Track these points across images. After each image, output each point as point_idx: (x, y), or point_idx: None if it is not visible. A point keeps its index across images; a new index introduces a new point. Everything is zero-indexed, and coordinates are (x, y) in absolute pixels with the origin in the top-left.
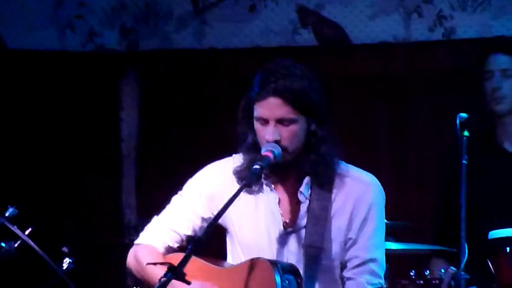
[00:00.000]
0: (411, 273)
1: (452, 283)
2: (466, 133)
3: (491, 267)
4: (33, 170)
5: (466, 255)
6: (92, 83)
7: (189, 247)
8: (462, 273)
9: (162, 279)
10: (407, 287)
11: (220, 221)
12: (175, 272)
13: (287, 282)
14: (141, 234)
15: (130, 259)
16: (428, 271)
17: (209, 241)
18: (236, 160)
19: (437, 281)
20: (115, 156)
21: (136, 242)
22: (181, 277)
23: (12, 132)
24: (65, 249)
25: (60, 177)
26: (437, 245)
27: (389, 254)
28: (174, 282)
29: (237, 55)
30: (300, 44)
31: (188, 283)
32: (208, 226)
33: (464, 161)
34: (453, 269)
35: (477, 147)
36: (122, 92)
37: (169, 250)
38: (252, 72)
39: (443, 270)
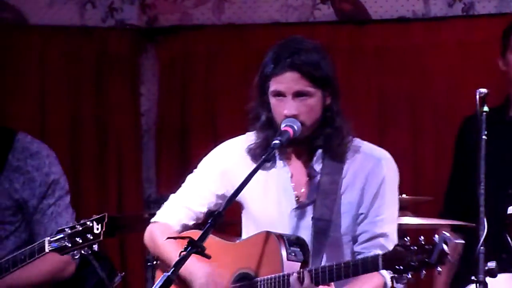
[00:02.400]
0: (406, 240)
1: (444, 246)
2: (485, 108)
3: (510, 242)
4: (54, 144)
5: (486, 230)
6: (112, 58)
7: (208, 221)
8: (481, 248)
9: (182, 253)
10: (401, 253)
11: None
12: (195, 246)
13: (293, 254)
14: (158, 212)
15: (147, 237)
16: (422, 237)
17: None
18: (249, 138)
19: (431, 246)
20: (135, 130)
21: (152, 220)
22: (201, 251)
23: (33, 107)
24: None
25: (80, 151)
26: (446, 219)
27: (408, 228)
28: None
29: (256, 31)
30: (319, 20)
31: (208, 257)
32: (227, 202)
33: (483, 136)
34: (445, 233)
35: (489, 122)
36: (142, 67)
37: (185, 227)
38: (271, 47)
39: (436, 236)
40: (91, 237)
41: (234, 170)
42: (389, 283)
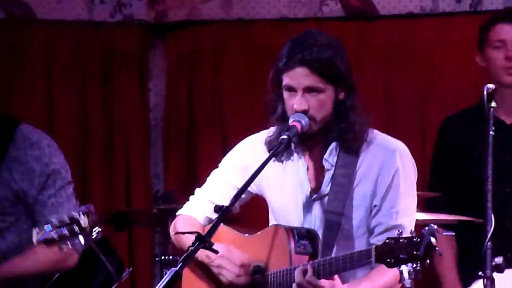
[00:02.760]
0: (398, 233)
1: (431, 239)
2: (493, 104)
3: None
4: (62, 139)
5: (493, 225)
6: (120, 54)
7: (217, 216)
8: (489, 243)
9: (190, 248)
10: (391, 246)
11: (257, 191)
12: (203, 241)
13: (302, 247)
14: (184, 205)
15: (172, 230)
16: (412, 230)
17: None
18: (270, 132)
19: (419, 239)
20: (143, 125)
21: (178, 212)
22: (209, 246)
23: (40, 101)
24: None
25: (88, 146)
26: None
27: (416, 224)
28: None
29: (264, 26)
30: (327, 15)
31: (216, 252)
32: (235, 196)
33: (491, 132)
34: (432, 226)
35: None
36: (150, 62)
37: (209, 221)
38: (279, 43)
39: (425, 228)
40: (78, 230)
41: (255, 164)
42: (406, 275)
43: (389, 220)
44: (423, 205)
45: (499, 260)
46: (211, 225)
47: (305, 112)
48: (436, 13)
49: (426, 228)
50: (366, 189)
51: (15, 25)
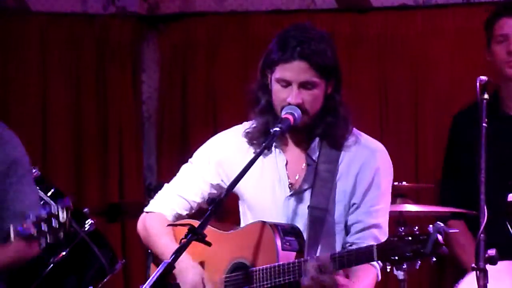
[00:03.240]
0: (400, 230)
1: (438, 236)
2: (486, 96)
3: (510, 229)
4: (56, 131)
5: (486, 217)
6: (113, 46)
7: (209, 209)
8: (482, 235)
9: (183, 240)
10: (395, 244)
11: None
12: (195, 233)
13: (287, 244)
14: (151, 202)
15: (140, 227)
16: (417, 227)
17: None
18: (245, 128)
19: (425, 237)
20: (136, 118)
21: (145, 210)
22: (202, 239)
23: (34, 93)
24: (86, 210)
25: (81, 139)
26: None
27: (408, 216)
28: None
29: (257, 18)
30: (320, 7)
31: (209, 244)
32: (227, 189)
33: (484, 124)
34: (439, 223)
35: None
36: (143, 54)
37: (178, 217)
38: (272, 35)
39: (431, 226)
40: (57, 225)
41: (229, 159)
42: (379, 274)
43: (369, 218)
44: (415, 198)
45: (492, 252)
46: (192, 221)
47: (299, 105)
48: (429, 5)
49: (433, 225)
50: (346, 185)
51: (8, 16)
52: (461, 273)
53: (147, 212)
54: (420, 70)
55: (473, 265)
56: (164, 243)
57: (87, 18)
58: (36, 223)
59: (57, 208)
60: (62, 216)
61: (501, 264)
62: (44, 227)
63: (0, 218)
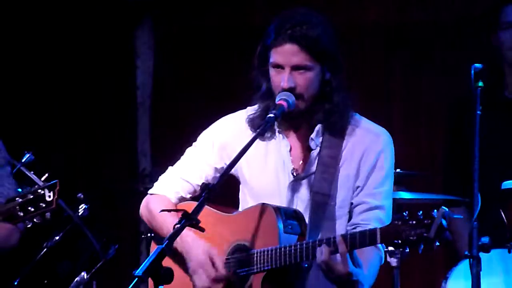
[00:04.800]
0: (404, 214)
1: (443, 221)
2: (480, 83)
3: (503, 217)
4: (49, 116)
5: (479, 205)
6: (108, 31)
7: (203, 195)
8: (475, 223)
9: (176, 226)
10: (399, 227)
11: (232, 170)
12: (190, 219)
13: (289, 227)
14: (155, 184)
15: (143, 209)
16: (421, 212)
17: (224, 191)
18: (249, 111)
19: (429, 221)
20: (130, 103)
21: (149, 192)
22: (195, 224)
23: (27, 80)
24: (80, 195)
25: (75, 124)
26: (447, 194)
27: (402, 203)
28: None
29: (253, 3)
30: None
31: (202, 230)
32: (221, 175)
33: (478, 112)
34: (444, 208)
35: (485, 98)
36: (138, 39)
37: (181, 200)
38: (267, 20)
39: (435, 211)
40: (44, 205)
41: (233, 143)
42: (383, 258)
43: (373, 199)
44: (409, 185)
45: (485, 240)
46: (194, 203)
47: (292, 90)
48: None
49: (437, 210)
50: (349, 169)
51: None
52: (454, 261)
53: (150, 194)
54: (415, 57)
55: (466, 252)
56: (169, 222)
57: (82, 2)
58: (23, 205)
59: (44, 189)
60: (49, 195)
61: (494, 252)
62: (30, 208)
63: None
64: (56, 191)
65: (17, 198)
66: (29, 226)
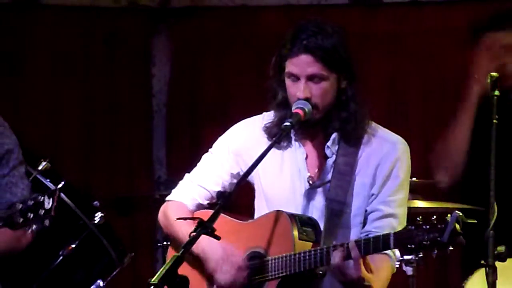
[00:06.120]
0: (418, 219)
1: (457, 226)
2: (496, 92)
3: None
4: (65, 124)
5: (496, 214)
6: (124, 39)
7: (218, 202)
8: (491, 232)
9: (192, 234)
10: (413, 232)
11: (248, 178)
12: (205, 227)
13: (304, 234)
14: (173, 191)
15: (161, 216)
16: (434, 216)
17: (238, 198)
18: (266, 118)
19: (443, 225)
20: (146, 111)
21: (167, 198)
22: (211, 232)
23: (44, 87)
24: (96, 203)
25: (91, 132)
26: (465, 204)
27: (418, 212)
28: (203, 237)
29: (269, 13)
30: (331, 2)
31: (218, 238)
32: (237, 182)
33: (495, 120)
34: (457, 213)
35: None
36: (154, 48)
37: (199, 207)
38: (283, 29)
39: (449, 215)
40: (43, 212)
41: (249, 149)
42: (394, 266)
43: (387, 207)
44: (425, 193)
45: (501, 249)
46: (210, 211)
47: (308, 100)
48: (440, 1)
49: (450, 215)
50: (365, 177)
51: (19, 9)
52: (470, 270)
53: (168, 201)
54: (430, 66)
55: (483, 261)
56: (186, 229)
57: (97, 11)
58: (23, 212)
59: (44, 195)
60: (48, 202)
61: (510, 261)
62: (30, 215)
63: None
64: (55, 198)
65: (17, 204)
66: (29, 232)
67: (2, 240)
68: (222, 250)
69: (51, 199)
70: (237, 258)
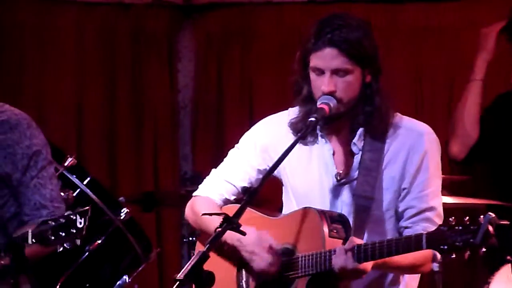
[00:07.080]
0: (450, 219)
1: (490, 228)
2: None
3: None
4: (91, 120)
5: None
6: (149, 35)
7: (244, 198)
8: None
9: (218, 230)
10: (445, 233)
11: (275, 172)
12: (231, 222)
13: (335, 231)
14: (200, 186)
15: (188, 211)
16: (467, 217)
17: (267, 193)
18: (291, 113)
19: (476, 227)
20: (171, 107)
21: (194, 194)
22: (236, 228)
23: (70, 82)
24: (122, 199)
25: (117, 128)
26: (493, 199)
27: (444, 208)
28: (229, 232)
29: (292, 9)
30: None
31: (243, 233)
32: (263, 178)
33: None
34: (491, 214)
35: None
36: (179, 44)
37: (226, 202)
38: (307, 25)
39: (482, 216)
40: (74, 231)
41: (275, 145)
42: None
43: (421, 203)
44: (450, 189)
45: None
46: (238, 206)
47: (332, 93)
48: None
49: (484, 216)
50: (394, 171)
51: (44, 5)
52: (496, 265)
53: (195, 196)
54: (455, 61)
55: (509, 257)
56: (214, 223)
57: (122, 8)
58: (55, 230)
59: (76, 214)
60: (80, 222)
61: None
62: (62, 233)
63: (20, 210)
64: (87, 218)
65: (50, 222)
66: (60, 250)
67: (33, 255)
68: (257, 235)
69: (83, 219)
70: (274, 243)
